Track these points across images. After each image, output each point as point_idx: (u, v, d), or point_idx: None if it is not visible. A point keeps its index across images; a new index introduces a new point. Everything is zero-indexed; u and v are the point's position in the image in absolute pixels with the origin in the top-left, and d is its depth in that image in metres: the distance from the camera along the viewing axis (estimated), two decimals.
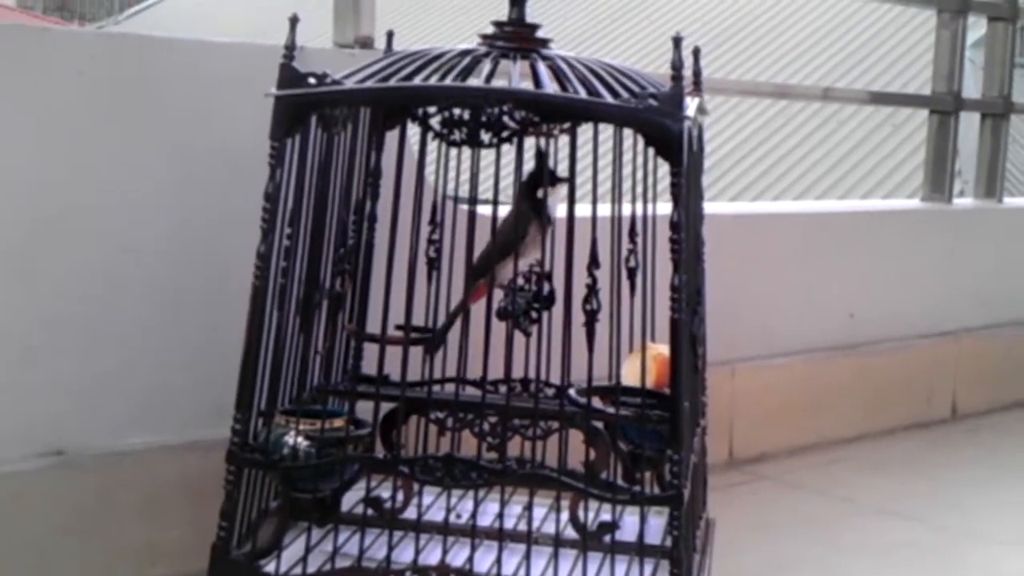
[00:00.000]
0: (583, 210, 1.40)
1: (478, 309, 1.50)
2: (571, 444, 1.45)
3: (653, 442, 1.45)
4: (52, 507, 1.61)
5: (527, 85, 1.39)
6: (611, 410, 1.48)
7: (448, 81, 1.39)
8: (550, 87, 1.39)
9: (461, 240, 1.51)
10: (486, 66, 1.42)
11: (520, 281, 1.54)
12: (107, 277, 1.65)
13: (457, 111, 1.36)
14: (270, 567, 1.39)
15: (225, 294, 1.58)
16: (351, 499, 1.52)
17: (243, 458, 1.40)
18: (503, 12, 1.51)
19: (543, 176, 1.51)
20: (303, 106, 1.40)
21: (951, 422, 2.88)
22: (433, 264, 1.53)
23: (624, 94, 1.37)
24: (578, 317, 1.39)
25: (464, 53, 1.45)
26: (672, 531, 1.36)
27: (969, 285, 2.96)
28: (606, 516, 1.45)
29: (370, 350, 1.58)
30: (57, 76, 1.60)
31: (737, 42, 8.60)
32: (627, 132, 1.39)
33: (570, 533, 1.45)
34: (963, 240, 2.98)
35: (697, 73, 1.65)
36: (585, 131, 1.39)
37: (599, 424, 1.51)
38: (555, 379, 1.52)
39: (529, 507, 1.42)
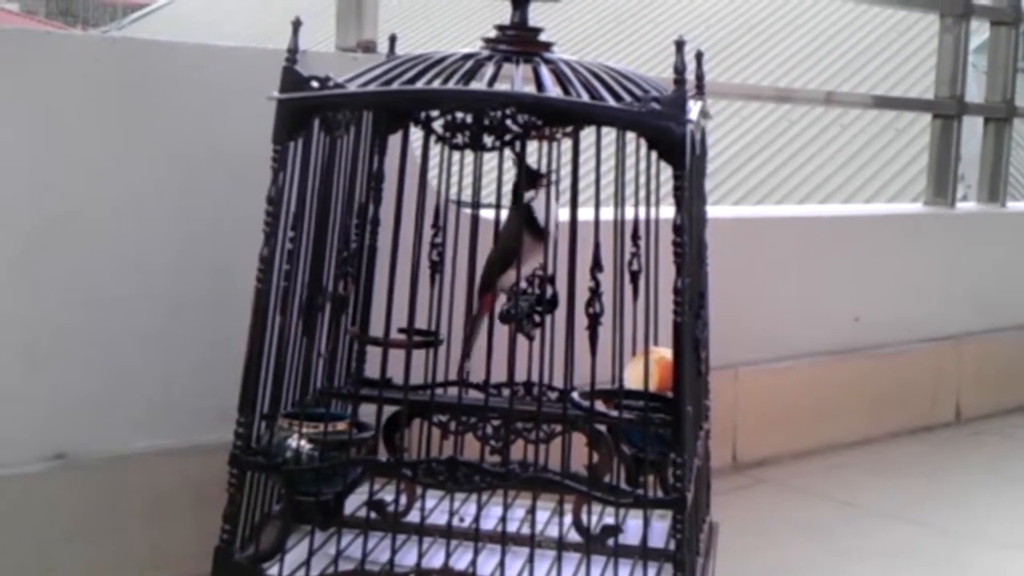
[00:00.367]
0: (586, 214, 1.40)
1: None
2: (574, 447, 1.44)
3: (656, 446, 1.45)
4: (56, 511, 1.61)
5: (530, 89, 1.39)
6: (614, 413, 1.48)
7: (451, 85, 1.39)
8: (553, 91, 1.39)
9: (464, 244, 1.51)
10: (489, 70, 1.42)
11: (523, 285, 1.54)
12: (110, 281, 1.66)
13: (460, 115, 1.36)
14: (273, 570, 1.39)
15: (228, 298, 1.59)
16: (354, 503, 1.52)
17: (246, 461, 1.40)
18: (506, 18, 1.51)
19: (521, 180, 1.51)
20: (306, 109, 1.40)
21: (955, 426, 2.88)
22: (436, 268, 1.54)
23: (627, 97, 1.37)
24: (581, 320, 1.38)
25: (467, 57, 1.45)
26: (675, 535, 1.36)
27: (973, 289, 2.96)
28: (609, 519, 1.45)
29: (373, 353, 1.58)
30: (60, 80, 1.60)
31: (740, 47, 8.61)
32: (630, 136, 1.39)
33: (573, 537, 1.45)
34: (966, 244, 2.98)
35: (700, 77, 1.65)
36: (588, 135, 1.39)
37: (602, 427, 1.51)
38: (558, 382, 1.51)
39: (532, 511, 1.42)
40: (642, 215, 1.47)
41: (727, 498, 2.07)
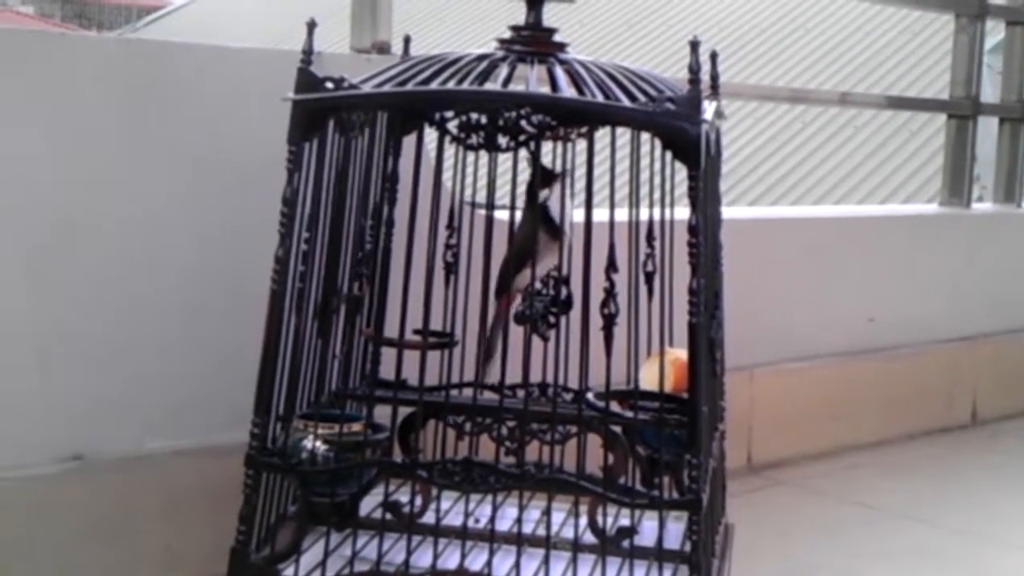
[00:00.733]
0: (601, 214, 1.39)
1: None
2: (589, 449, 1.44)
3: (671, 447, 1.45)
4: (71, 512, 1.61)
5: (544, 89, 1.39)
6: (629, 414, 1.48)
7: (465, 85, 1.39)
8: (567, 91, 1.39)
9: (478, 245, 1.51)
10: (503, 70, 1.42)
11: (538, 286, 1.54)
12: (125, 283, 1.66)
13: (474, 115, 1.36)
14: (288, 571, 1.39)
15: (243, 299, 1.59)
16: (369, 504, 1.52)
17: (261, 462, 1.40)
18: (521, 19, 1.51)
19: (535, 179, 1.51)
20: (320, 110, 1.40)
21: (971, 427, 2.87)
22: (451, 269, 1.54)
23: (641, 98, 1.36)
24: (596, 321, 1.38)
25: (481, 57, 1.45)
26: (691, 536, 1.35)
27: (988, 289, 2.95)
28: (625, 521, 1.44)
29: (388, 355, 1.58)
30: (73, 82, 1.60)
31: (754, 48, 8.59)
32: (645, 137, 1.39)
33: (589, 538, 1.45)
34: (982, 244, 2.97)
35: (715, 77, 1.65)
36: (603, 136, 1.39)
37: (617, 428, 1.51)
38: (573, 384, 1.51)
39: (547, 512, 1.42)
40: (657, 216, 1.47)
41: (742, 499, 2.07)
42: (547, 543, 1.40)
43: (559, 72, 1.42)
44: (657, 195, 1.45)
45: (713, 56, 1.65)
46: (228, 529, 1.40)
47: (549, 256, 1.52)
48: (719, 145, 1.59)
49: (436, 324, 1.45)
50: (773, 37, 8.76)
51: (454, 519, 1.50)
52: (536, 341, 1.51)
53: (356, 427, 1.46)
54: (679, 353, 1.45)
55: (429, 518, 1.46)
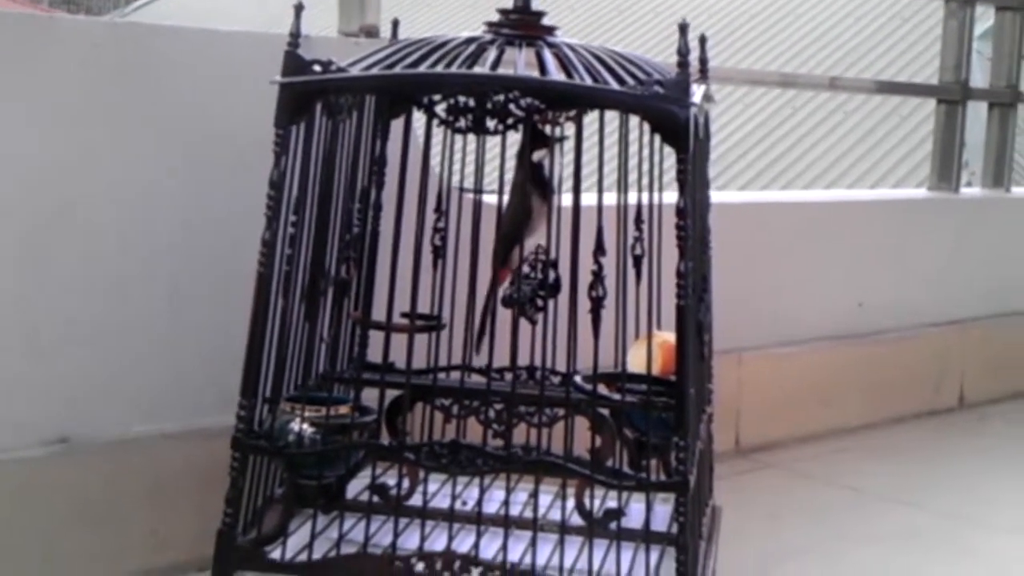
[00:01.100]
0: (589, 198, 1.39)
1: (483, 296, 1.50)
2: (577, 431, 1.45)
3: (659, 429, 1.45)
4: (58, 495, 1.61)
5: (533, 73, 1.39)
6: (617, 397, 1.48)
7: (454, 69, 1.39)
8: (556, 74, 1.39)
9: (467, 228, 1.51)
10: (491, 54, 1.42)
11: (526, 269, 1.54)
12: (113, 266, 1.66)
13: (462, 99, 1.36)
14: (275, 553, 1.39)
15: (230, 282, 1.58)
16: (356, 486, 1.52)
17: (248, 445, 1.40)
18: (509, 2, 1.50)
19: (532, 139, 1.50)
20: (308, 93, 1.40)
21: (959, 411, 2.88)
22: (438, 252, 1.54)
23: (630, 81, 1.36)
24: (584, 304, 1.38)
25: (469, 41, 1.44)
26: (678, 518, 1.36)
27: (976, 274, 2.95)
28: (612, 503, 1.45)
29: (375, 338, 1.58)
30: (62, 65, 1.60)
31: (744, 34, 8.59)
32: (634, 121, 1.39)
33: (576, 520, 1.45)
34: (970, 229, 2.97)
35: (704, 61, 1.65)
36: (593, 121, 1.39)
37: (605, 411, 1.51)
38: (561, 367, 1.51)
39: (535, 494, 1.43)
40: (645, 199, 1.47)
41: (730, 482, 2.08)
42: (534, 525, 1.40)
43: (548, 55, 1.42)
44: (646, 179, 1.45)
45: (702, 40, 1.65)
46: (215, 512, 1.40)
47: (541, 219, 1.52)
48: (708, 129, 1.59)
49: (424, 307, 1.45)
50: (763, 23, 8.76)
51: (441, 502, 1.50)
52: (524, 324, 1.51)
53: (343, 410, 1.46)
54: (667, 336, 1.46)
55: (416, 501, 1.47)
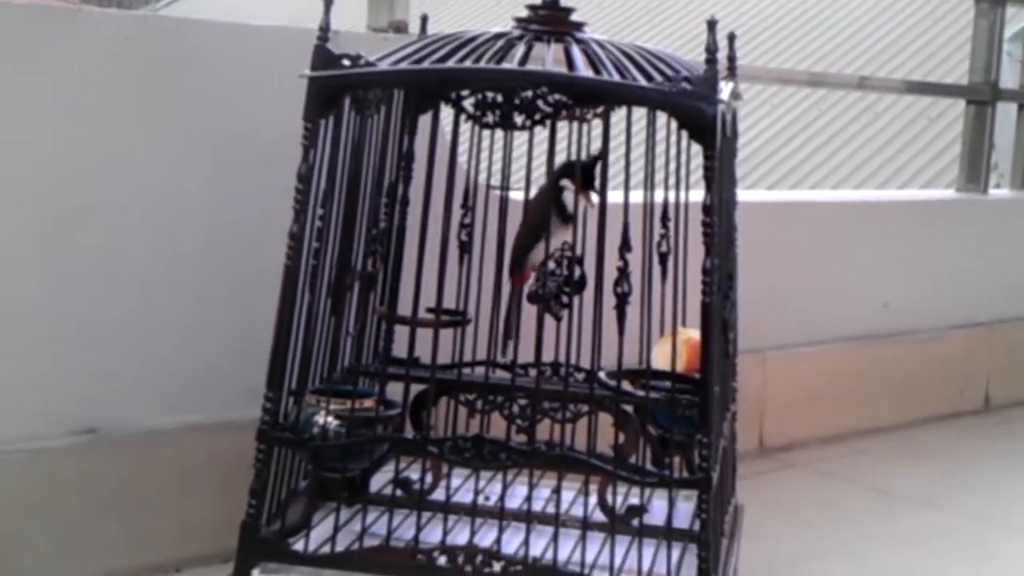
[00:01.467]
0: (616, 194, 1.39)
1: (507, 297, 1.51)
2: (601, 428, 1.45)
3: (682, 426, 1.45)
4: (85, 485, 1.63)
5: (561, 68, 1.39)
6: (641, 394, 1.48)
7: (482, 64, 1.39)
8: (583, 70, 1.39)
9: (493, 224, 1.51)
10: (520, 49, 1.42)
11: (551, 265, 1.54)
12: (140, 259, 1.66)
13: (490, 94, 1.36)
14: (299, 545, 1.40)
15: (257, 276, 1.59)
16: (380, 480, 1.53)
17: (273, 437, 1.41)
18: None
19: (574, 171, 1.52)
20: (337, 88, 1.40)
21: (984, 413, 2.87)
22: (465, 248, 1.54)
23: (658, 78, 1.36)
24: (609, 301, 1.38)
25: (498, 36, 1.45)
26: (700, 515, 1.36)
27: (1004, 276, 2.94)
28: (635, 500, 1.45)
29: (401, 332, 1.58)
30: (91, 58, 1.61)
31: (773, 33, 8.56)
32: (662, 120, 1.39)
33: (598, 516, 1.45)
34: (999, 231, 2.96)
35: (732, 58, 1.65)
36: (621, 121, 1.39)
37: (629, 408, 1.51)
38: (585, 363, 1.52)
39: (557, 490, 1.43)
40: (672, 196, 1.47)
41: (754, 482, 2.08)
42: (556, 521, 1.40)
43: (576, 52, 1.42)
44: (673, 176, 1.45)
45: (731, 37, 1.64)
46: (239, 503, 1.41)
47: (557, 239, 1.53)
48: (735, 126, 1.59)
49: (449, 303, 1.45)
50: (793, 23, 8.73)
51: (464, 496, 1.50)
52: (549, 320, 1.51)
53: (368, 403, 1.46)
54: (692, 333, 1.46)
55: (439, 495, 1.47)
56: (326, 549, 1.40)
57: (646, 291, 1.44)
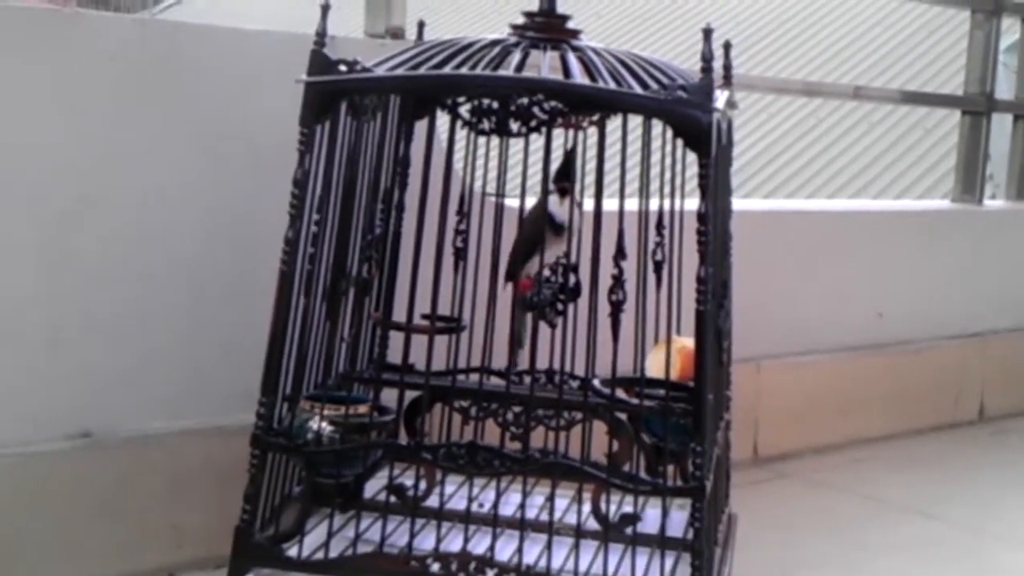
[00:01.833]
0: (611, 203, 1.40)
1: (504, 300, 1.51)
2: (594, 436, 1.45)
3: (676, 435, 1.45)
4: (79, 489, 1.62)
5: (557, 75, 1.39)
6: (635, 402, 1.48)
7: (478, 71, 1.39)
8: (579, 78, 1.39)
9: (488, 230, 1.51)
10: (516, 56, 1.42)
11: (546, 272, 1.54)
12: (136, 263, 1.66)
13: (486, 101, 1.36)
14: (292, 551, 1.40)
15: (252, 281, 1.59)
16: (374, 486, 1.53)
17: (267, 442, 1.41)
18: (535, 5, 1.51)
19: (566, 172, 1.52)
20: (333, 93, 1.40)
21: (978, 424, 2.87)
22: (460, 254, 1.54)
23: (654, 86, 1.36)
24: (603, 309, 1.39)
25: (494, 43, 1.45)
26: (694, 523, 1.36)
27: (998, 287, 2.94)
28: (628, 508, 1.44)
29: (396, 339, 1.58)
30: (88, 61, 1.61)
31: (769, 43, 8.57)
32: (657, 129, 1.39)
33: (592, 524, 1.45)
34: (994, 241, 2.96)
35: (727, 67, 1.65)
36: (616, 129, 1.39)
37: (623, 416, 1.51)
38: (580, 370, 1.52)
39: (551, 497, 1.43)
40: (667, 204, 1.47)
41: (748, 491, 2.07)
42: (550, 528, 1.40)
43: (572, 59, 1.42)
44: (668, 184, 1.45)
45: (726, 46, 1.65)
46: (233, 509, 1.41)
47: (554, 247, 1.53)
48: (730, 135, 1.59)
49: (444, 309, 1.45)
50: (788, 33, 8.74)
51: (458, 503, 1.50)
52: (543, 328, 1.51)
53: (362, 409, 1.46)
54: (686, 341, 1.46)
55: (433, 502, 1.47)
56: (320, 555, 1.40)
57: (641, 299, 1.44)
